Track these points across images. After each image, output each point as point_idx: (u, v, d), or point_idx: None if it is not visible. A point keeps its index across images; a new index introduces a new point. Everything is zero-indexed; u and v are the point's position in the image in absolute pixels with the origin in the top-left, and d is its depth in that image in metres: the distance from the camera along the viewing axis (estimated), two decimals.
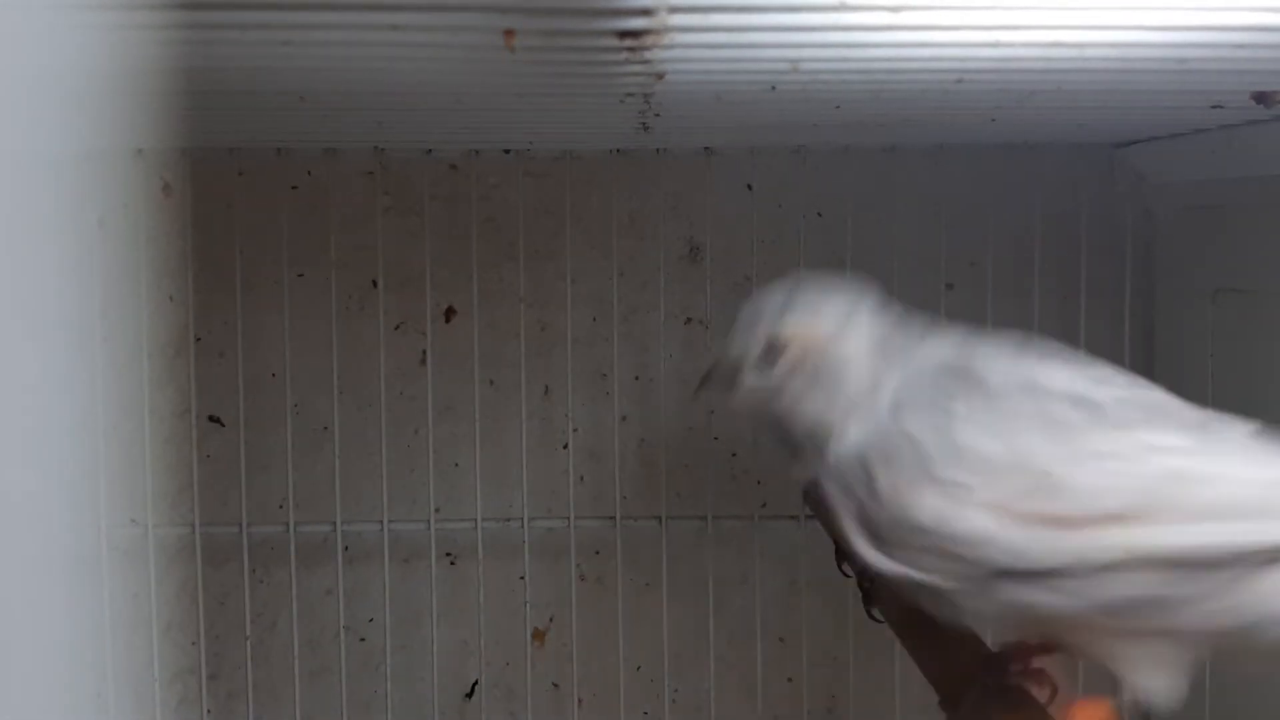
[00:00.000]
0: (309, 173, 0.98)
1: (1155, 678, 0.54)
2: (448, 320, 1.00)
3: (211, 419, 0.98)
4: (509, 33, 0.46)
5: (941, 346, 0.61)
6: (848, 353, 0.61)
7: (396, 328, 1.00)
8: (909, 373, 0.59)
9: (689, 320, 1.01)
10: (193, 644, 0.95)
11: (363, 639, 1.01)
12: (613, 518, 0.99)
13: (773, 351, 0.62)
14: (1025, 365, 0.59)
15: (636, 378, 1.01)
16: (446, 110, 0.71)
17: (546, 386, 1.01)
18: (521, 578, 1.00)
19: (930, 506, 0.54)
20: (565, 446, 1.01)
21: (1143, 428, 0.56)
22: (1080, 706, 0.55)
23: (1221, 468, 0.54)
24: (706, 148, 0.98)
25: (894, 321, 0.63)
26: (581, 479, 1.01)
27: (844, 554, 0.81)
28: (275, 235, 0.96)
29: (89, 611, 0.23)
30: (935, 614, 0.58)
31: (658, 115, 0.71)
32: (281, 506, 0.98)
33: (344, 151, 0.97)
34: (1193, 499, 0.53)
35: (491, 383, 1.00)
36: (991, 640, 0.65)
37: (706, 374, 0.67)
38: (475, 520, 0.98)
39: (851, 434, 0.59)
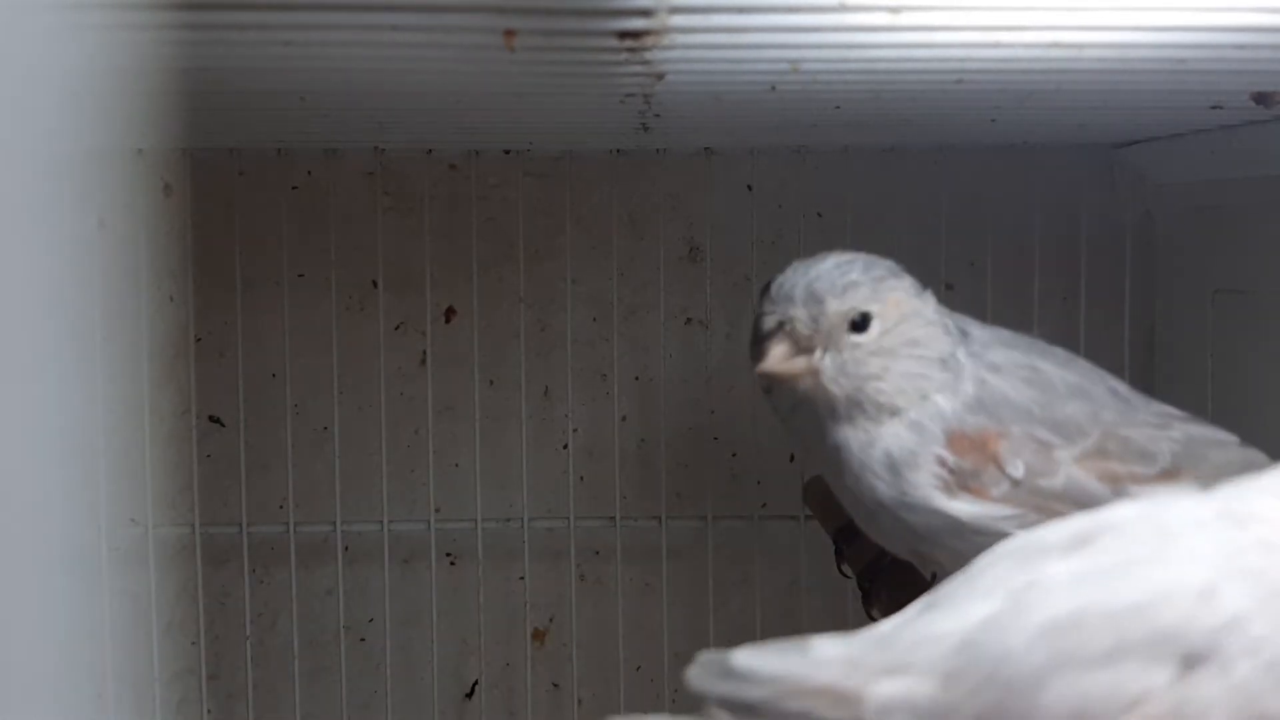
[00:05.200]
0: (309, 173, 0.98)
1: None
2: (448, 320, 1.00)
3: (211, 419, 0.98)
4: (509, 33, 0.46)
5: (997, 330, 0.68)
6: (931, 319, 0.65)
7: (396, 328, 1.00)
8: (985, 341, 0.66)
9: (689, 320, 1.01)
10: (193, 644, 0.95)
11: (363, 639, 1.01)
12: (613, 518, 0.99)
13: (865, 320, 0.63)
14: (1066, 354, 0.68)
15: (636, 378, 1.01)
16: (446, 110, 0.71)
17: (546, 386, 1.01)
18: (521, 578, 1.00)
19: (1024, 463, 0.61)
20: (565, 446, 1.00)
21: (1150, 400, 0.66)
22: None
23: (1223, 435, 0.65)
24: (706, 148, 0.98)
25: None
26: (581, 479, 1.01)
27: (844, 554, 0.81)
28: (275, 235, 0.96)
29: (89, 611, 0.23)
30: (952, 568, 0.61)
31: (658, 115, 0.71)
32: (281, 506, 0.98)
33: (344, 151, 0.97)
34: (1212, 459, 0.63)
35: (491, 383, 1.00)
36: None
37: (762, 349, 0.64)
38: (475, 520, 0.98)
39: (944, 395, 0.63)
